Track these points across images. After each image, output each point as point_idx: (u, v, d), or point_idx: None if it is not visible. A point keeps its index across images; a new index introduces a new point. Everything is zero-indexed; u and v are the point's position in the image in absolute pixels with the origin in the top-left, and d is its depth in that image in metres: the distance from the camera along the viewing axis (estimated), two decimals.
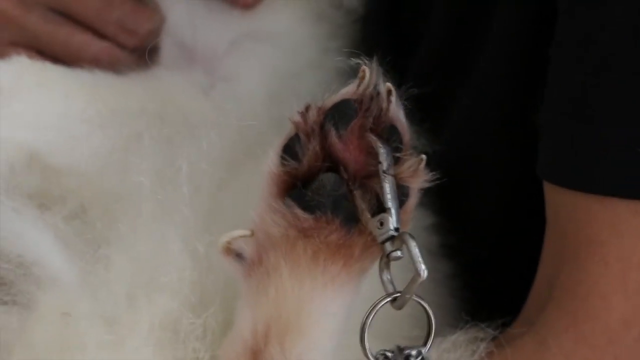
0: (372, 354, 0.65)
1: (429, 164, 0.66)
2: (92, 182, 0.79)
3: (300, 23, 0.91)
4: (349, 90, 0.66)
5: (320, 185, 0.65)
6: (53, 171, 0.80)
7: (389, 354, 0.66)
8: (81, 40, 0.88)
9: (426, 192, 0.67)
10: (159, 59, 0.91)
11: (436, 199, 0.75)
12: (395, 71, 0.67)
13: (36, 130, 0.82)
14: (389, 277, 0.66)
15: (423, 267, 0.63)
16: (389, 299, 0.65)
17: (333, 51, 0.91)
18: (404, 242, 0.64)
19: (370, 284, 0.68)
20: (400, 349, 0.66)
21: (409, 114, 0.67)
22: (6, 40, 0.88)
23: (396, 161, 0.65)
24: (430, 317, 0.66)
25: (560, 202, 0.72)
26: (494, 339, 0.72)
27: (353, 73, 0.67)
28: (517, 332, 0.73)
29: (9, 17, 0.87)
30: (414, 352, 0.66)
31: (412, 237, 0.63)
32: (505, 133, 0.80)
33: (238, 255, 0.67)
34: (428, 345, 0.66)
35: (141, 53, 0.90)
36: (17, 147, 0.80)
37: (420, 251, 0.63)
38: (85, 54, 0.88)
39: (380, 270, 0.66)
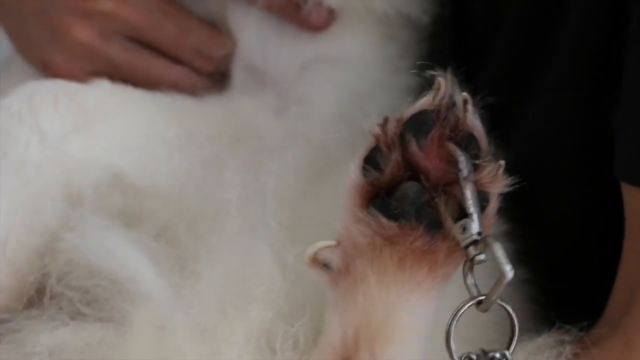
0: (458, 357, 0.67)
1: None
2: (172, 202, 0.81)
3: (370, 45, 0.93)
4: (426, 101, 0.68)
5: (403, 194, 0.67)
6: (135, 192, 0.83)
7: (474, 357, 0.67)
8: (160, 67, 0.91)
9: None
10: (231, 83, 0.93)
11: (509, 206, 0.76)
12: (469, 82, 0.69)
13: (119, 151, 0.84)
14: (473, 281, 0.68)
15: (509, 267, 0.64)
16: (474, 302, 0.67)
17: (402, 70, 0.93)
18: (487, 244, 0.65)
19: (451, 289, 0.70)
20: (485, 352, 0.67)
21: (485, 122, 0.68)
22: (86, 69, 0.90)
23: (475, 168, 0.67)
24: (514, 320, 0.67)
25: (637, 202, 0.73)
26: (579, 340, 0.73)
27: (428, 85, 0.69)
28: (602, 333, 0.74)
29: (88, 47, 0.90)
30: (498, 355, 0.67)
31: (496, 239, 0.65)
32: (578, 138, 0.81)
33: (325, 266, 0.70)
34: (512, 348, 0.67)
35: (215, 77, 0.93)
36: (101, 168, 0.83)
37: (505, 253, 0.64)
38: (164, 80, 0.90)
39: (464, 275, 0.68)
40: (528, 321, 0.77)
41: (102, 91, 0.87)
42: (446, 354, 0.69)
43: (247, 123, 0.89)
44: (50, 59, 0.90)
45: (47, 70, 0.91)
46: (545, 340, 0.73)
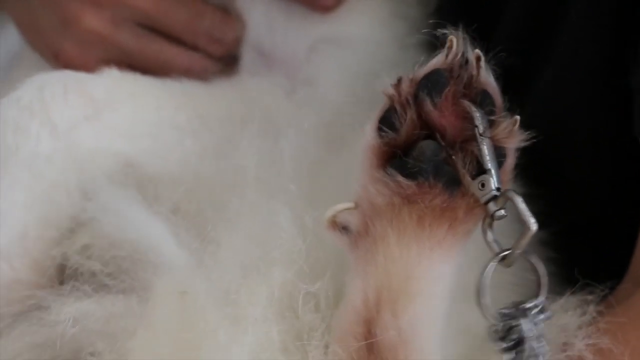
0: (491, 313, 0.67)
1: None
2: (186, 183, 0.82)
3: (379, 24, 0.93)
4: (438, 61, 0.69)
5: (420, 153, 0.67)
6: (148, 178, 0.83)
7: (505, 311, 0.67)
8: (172, 53, 0.91)
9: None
10: (240, 65, 0.93)
11: (526, 168, 0.76)
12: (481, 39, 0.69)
13: (130, 139, 0.85)
14: (493, 237, 0.67)
15: (533, 220, 0.64)
16: (499, 257, 0.67)
17: (411, 47, 0.93)
18: (509, 198, 0.65)
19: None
20: (517, 304, 0.67)
21: (498, 78, 0.69)
22: (98, 57, 0.90)
23: (491, 124, 0.67)
24: (539, 270, 0.67)
25: None
26: (603, 299, 0.73)
27: (440, 44, 0.70)
28: (626, 291, 0.73)
29: (99, 35, 0.90)
30: (529, 305, 0.67)
31: (517, 193, 0.65)
32: (594, 99, 0.81)
33: (344, 228, 0.70)
34: (543, 296, 0.67)
35: (225, 61, 0.93)
36: (113, 156, 0.84)
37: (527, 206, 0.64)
38: (176, 66, 0.90)
39: (484, 232, 0.68)
40: (549, 280, 0.76)
41: (111, 80, 0.87)
42: (468, 314, 0.69)
43: (257, 104, 0.89)
44: (61, 48, 0.91)
45: (58, 60, 0.91)
46: (568, 299, 0.73)
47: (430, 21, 0.91)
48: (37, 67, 0.93)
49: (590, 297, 0.73)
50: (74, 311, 0.72)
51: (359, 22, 0.93)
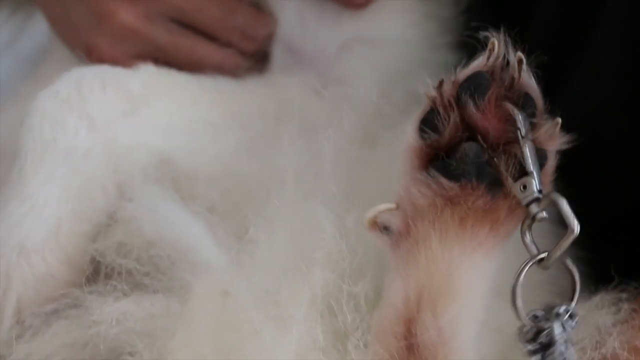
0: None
1: None
2: (222, 180, 0.82)
3: (410, 24, 0.93)
4: (480, 63, 0.69)
5: (463, 155, 0.68)
6: (183, 174, 0.83)
7: (539, 314, 0.68)
8: (205, 49, 0.91)
9: None
10: (271, 63, 0.94)
11: (558, 169, 0.77)
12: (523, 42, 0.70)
13: (166, 135, 0.85)
14: (531, 239, 0.68)
15: (576, 222, 0.65)
16: (537, 259, 0.67)
17: (442, 47, 0.93)
18: (553, 200, 0.66)
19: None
20: (550, 308, 0.68)
21: (539, 81, 0.69)
22: (131, 52, 0.90)
23: (532, 126, 0.68)
24: (574, 275, 0.68)
25: None
26: (636, 297, 0.74)
27: (482, 47, 0.70)
28: None
29: (133, 30, 0.90)
30: (561, 310, 0.67)
31: (561, 195, 0.66)
32: (629, 100, 0.81)
33: (384, 228, 0.70)
34: (574, 301, 0.67)
35: (256, 57, 0.93)
36: (148, 152, 0.84)
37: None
38: (208, 62, 0.91)
39: (522, 233, 0.68)
40: (582, 281, 0.76)
41: (147, 76, 0.88)
42: (503, 314, 0.70)
43: (289, 102, 0.89)
44: (95, 43, 0.91)
45: (91, 54, 0.91)
46: (602, 298, 0.74)
47: (462, 21, 0.93)
48: (67, 61, 0.93)
49: (624, 295, 0.74)
50: (114, 311, 0.72)
51: (390, 22, 0.93)
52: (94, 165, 0.83)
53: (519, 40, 0.71)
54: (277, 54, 0.93)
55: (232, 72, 0.92)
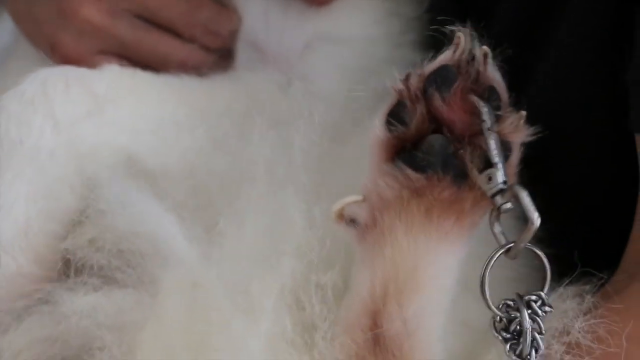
0: (494, 304, 0.68)
1: None
2: (185, 181, 0.82)
3: (374, 22, 0.94)
4: (446, 56, 0.70)
5: (429, 146, 0.69)
6: (149, 173, 0.83)
7: (510, 303, 0.69)
8: (169, 45, 0.91)
9: None
10: (235, 60, 0.94)
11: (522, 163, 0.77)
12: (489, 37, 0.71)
13: (132, 134, 0.85)
14: (500, 229, 0.69)
15: (536, 215, 0.66)
16: (504, 250, 0.68)
17: (406, 45, 0.94)
18: (515, 192, 0.67)
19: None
20: (520, 296, 0.69)
21: (504, 74, 0.70)
22: (95, 49, 0.90)
23: (497, 119, 0.69)
24: (545, 263, 0.69)
25: None
26: (600, 289, 0.75)
27: (447, 42, 0.71)
28: (619, 284, 0.75)
29: (97, 26, 0.90)
30: (534, 297, 0.68)
31: (523, 187, 0.67)
32: (590, 94, 0.82)
33: (352, 220, 0.71)
34: (546, 288, 0.68)
35: (220, 54, 0.94)
36: (114, 152, 0.84)
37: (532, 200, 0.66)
38: (173, 58, 0.91)
39: (491, 224, 0.69)
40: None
41: (112, 75, 0.88)
42: (470, 306, 0.71)
43: (254, 99, 0.90)
44: (59, 40, 0.91)
45: (55, 51, 0.91)
46: (566, 290, 0.74)
47: (426, 20, 0.94)
48: (33, 59, 0.93)
49: (587, 287, 0.75)
50: (84, 304, 0.72)
51: (353, 20, 0.94)
52: (60, 165, 0.83)
53: (484, 34, 0.72)
54: (242, 51, 0.94)
55: (197, 69, 0.92)
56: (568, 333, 0.72)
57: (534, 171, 0.79)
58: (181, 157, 0.84)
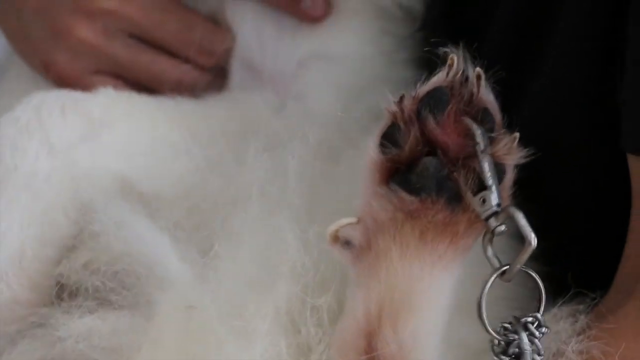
0: (492, 328, 0.68)
1: None
2: (184, 200, 0.82)
3: (367, 40, 0.94)
4: (439, 78, 0.70)
5: (423, 169, 0.68)
6: (144, 196, 0.83)
7: (508, 325, 0.69)
8: (163, 65, 0.91)
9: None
10: (229, 80, 0.94)
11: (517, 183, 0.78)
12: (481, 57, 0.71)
13: (127, 158, 0.85)
14: (493, 253, 0.69)
15: (533, 235, 0.66)
16: (499, 272, 0.68)
17: (399, 63, 0.94)
18: (510, 214, 0.67)
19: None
20: (517, 319, 0.69)
21: (497, 96, 0.70)
22: (89, 68, 0.91)
23: (491, 141, 0.69)
24: (540, 285, 0.69)
25: None
26: (593, 309, 0.75)
27: (439, 62, 0.71)
28: (615, 302, 0.75)
29: (91, 46, 0.90)
30: (530, 319, 0.69)
31: (518, 209, 0.67)
32: (583, 113, 0.82)
33: (346, 243, 0.71)
34: (541, 310, 0.69)
35: (215, 73, 0.94)
36: (109, 176, 0.84)
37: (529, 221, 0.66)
38: (167, 78, 0.91)
39: (484, 247, 0.69)
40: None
41: (107, 99, 0.88)
42: (464, 327, 0.71)
43: (248, 120, 0.90)
44: (52, 59, 0.91)
45: (49, 71, 0.92)
46: (560, 310, 0.75)
47: (418, 38, 0.94)
48: (26, 78, 0.93)
49: (581, 307, 0.75)
50: (79, 327, 0.72)
51: (348, 39, 0.94)
52: (55, 190, 0.83)
53: (476, 55, 0.72)
54: (236, 70, 0.94)
55: (191, 88, 0.92)
56: (562, 354, 0.72)
57: (528, 189, 0.79)
58: (176, 179, 0.84)
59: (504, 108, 0.74)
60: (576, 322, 0.74)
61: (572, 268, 0.77)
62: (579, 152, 0.83)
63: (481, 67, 0.70)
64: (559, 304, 0.75)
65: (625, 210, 0.79)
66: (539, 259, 0.80)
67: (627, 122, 0.76)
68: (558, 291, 0.76)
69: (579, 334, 0.73)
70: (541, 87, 0.83)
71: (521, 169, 0.71)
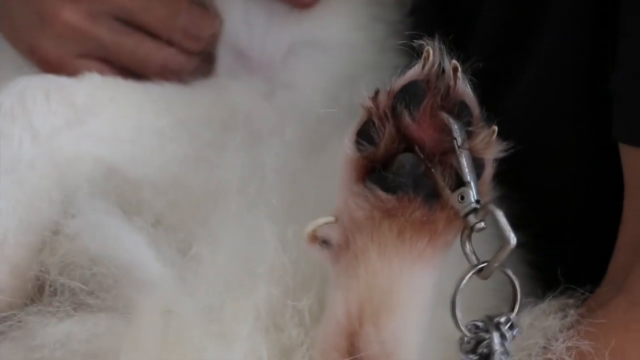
0: (464, 326, 0.67)
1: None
2: (168, 190, 0.81)
3: (358, 28, 0.93)
4: (415, 72, 0.68)
5: (399, 166, 0.67)
6: (130, 183, 0.83)
7: (480, 324, 0.67)
8: (148, 48, 0.90)
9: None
10: (217, 66, 0.93)
11: (504, 172, 0.76)
12: (458, 49, 0.69)
13: (112, 144, 0.84)
14: (471, 249, 0.68)
15: (512, 234, 0.64)
16: (476, 270, 0.67)
17: (390, 50, 0.93)
18: (490, 211, 0.66)
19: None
20: (490, 318, 0.68)
21: (475, 89, 0.68)
22: (75, 52, 0.90)
23: (469, 135, 0.67)
24: (515, 284, 0.67)
25: (637, 163, 0.73)
26: (583, 302, 0.73)
27: (417, 55, 0.69)
28: (606, 294, 0.74)
29: (77, 29, 0.89)
30: (503, 319, 0.67)
31: (498, 206, 0.65)
32: (572, 103, 0.81)
33: (324, 242, 0.70)
34: (515, 311, 0.67)
35: (202, 58, 0.93)
36: (94, 162, 0.83)
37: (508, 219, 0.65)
38: (152, 62, 0.90)
39: (462, 243, 0.68)
40: (527, 285, 0.76)
41: (92, 85, 0.87)
42: (448, 322, 0.69)
43: (236, 108, 0.89)
44: (38, 43, 0.90)
45: (34, 54, 0.91)
46: (549, 304, 0.73)
47: (409, 24, 0.92)
48: (9, 64, 0.93)
49: (570, 301, 0.74)
50: (58, 333, 0.71)
51: (338, 25, 0.93)
52: (39, 176, 0.82)
53: (461, 44, 0.71)
54: (223, 56, 0.93)
55: (178, 74, 0.91)
56: (550, 349, 0.71)
57: (517, 179, 0.78)
58: (161, 168, 0.83)
59: (491, 98, 0.72)
60: (566, 316, 0.73)
61: (562, 261, 0.76)
62: (570, 144, 0.82)
63: (459, 59, 0.69)
64: (548, 299, 0.73)
65: (616, 202, 0.77)
66: (529, 248, 0.79)
67: (621, 112, 0.74)
68: (548, 285, 0.75)
69: (568, 329, 0.72)
70: (533, 74, 0.82)
71: (509, 158, 0.70)
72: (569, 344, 0.71)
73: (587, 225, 0.82)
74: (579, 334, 0.71)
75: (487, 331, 0.67)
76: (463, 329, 0.67)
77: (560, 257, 0.76)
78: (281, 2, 0.92)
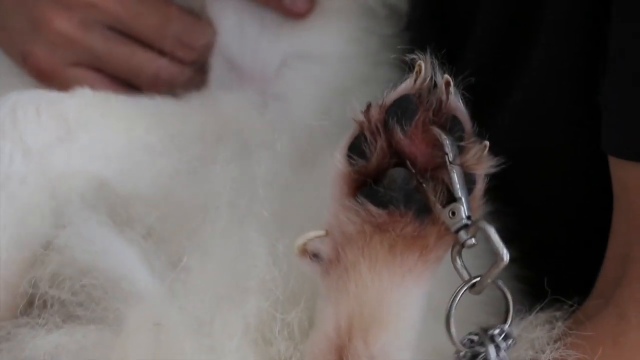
0: (459, 340, 0.67)
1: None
2: (158, 205, 0.81)
3: (351, 40, 0.93)
4: (407, 86, 0.68)
5: (390, 181, 0.67)
6: (121, 199, 0.82)
7: (474, 338, 0.67)
8: (141, 57, 0.90)
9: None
10: (210, 78, 0.93)
11: (495, 186, 0.76)
12: (450, 63, 0.69)
13: (103, 159, 0.84)
14: (462, 264, 0.68)
15: (505, 251, 0.64)
16: (469, 285, 0.67)
17: (383, 63, 0.93)
18: (482, 228, 0.66)
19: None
20: (485, 330, 0.67)
21: (468, 103, 0.68)
22: (67, 60, 0.90)
23: (460, 150, 0.67)
24: (507, 297, 0.67)
25: (627, 176, 0.73)
26: (571, 315, 0.73)
27: (409, 69, 0.69)
28: (594, 307, 0.74)
29: (69, 38, 0.89)
30: (496, 331, 0.67)
31: (489, 223, 0.65)
32: (564, 117, 0.81)
33: (315, 256, 0.69)
34: (508, 322, 0.67)
35: (195, 68, 0.92)
36: (85, 178, 0.83)
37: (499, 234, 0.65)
38: (145, 71, 0.90)
39: (453, 259, 0.68)
40: (514, 298, 0.76)
41: (83, 100, 0.86)
42: (440, 336, 0.69)
43: (228, 121, 0.89)
44: (31, 50, 0.90)
45: (27, 62, 0.91)
46: (537, 316, 0.73)
47: (404, 39, 0.92)
48: (7, 72, 0.93)
49: (558, 313, 0.74)
50: (47, 345, 0.71)
51: (331, 38, 0.93)
52: (30, 192, 0.82)
53: (457, 56, 0.71)
54: (216, 66, 0.92)
55: (171, 84, 0.91)
56: None
57: (508, 191, 0.78)
58: (152, 183, 0.83)
59: (485, 112, 0.72)
60: (553, 329, 0.73)
61: (551, 273, 0.76)
62: (560, 156, 0.81)
63: (451, 74, 0.68)
64: (535, 311, 0.73)
65: (605, 214, 0.77)
66: (520, 263, 0.79)
67: (608, 124, 0.74)
68: (536, 297, 0.75)
69: (555, 341, 0.72)
70: (526, 87, 0.82)
71: (502, 171, 0.69)
72: (557, 356, 0.71)
73: (577, 239, 0.82)
74: (567, 346, 0.71)
75: (482, 344, 0.67)
76: (458, 344, 0.67)
77: (549, 270, 0.76)
78: (275, 11, 0.92)
